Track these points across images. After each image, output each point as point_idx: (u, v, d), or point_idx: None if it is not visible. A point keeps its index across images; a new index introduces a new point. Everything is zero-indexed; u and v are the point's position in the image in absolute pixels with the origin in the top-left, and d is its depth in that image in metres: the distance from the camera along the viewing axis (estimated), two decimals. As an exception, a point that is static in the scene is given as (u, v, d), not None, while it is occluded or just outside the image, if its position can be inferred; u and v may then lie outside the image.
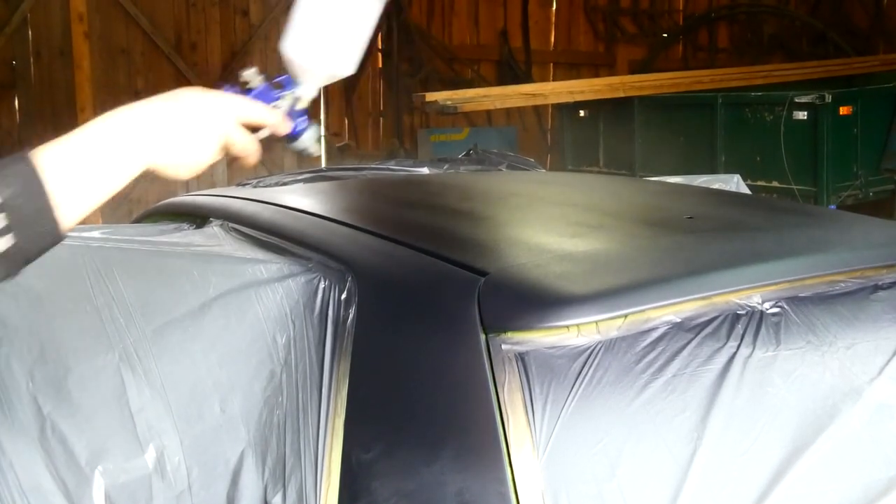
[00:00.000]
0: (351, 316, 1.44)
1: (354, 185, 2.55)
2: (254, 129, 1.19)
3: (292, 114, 1.22)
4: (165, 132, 1.12)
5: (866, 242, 1.70)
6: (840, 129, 6.66)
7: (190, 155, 1.15)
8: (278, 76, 1.22)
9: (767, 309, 1.37)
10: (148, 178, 1.14)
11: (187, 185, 8.51)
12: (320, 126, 1.42)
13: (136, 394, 1.40)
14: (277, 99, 1.21)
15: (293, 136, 1.24)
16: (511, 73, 10.38)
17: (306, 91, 1.23)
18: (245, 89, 1.19)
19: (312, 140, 1.25)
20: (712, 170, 6.80)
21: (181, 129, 1.13)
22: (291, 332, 1.48)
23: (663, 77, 8.39)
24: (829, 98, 6.55)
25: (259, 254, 1.67)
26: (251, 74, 1.21)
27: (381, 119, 9.98)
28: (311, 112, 1.27)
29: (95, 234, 1.61)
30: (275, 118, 1.21)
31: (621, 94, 7.85)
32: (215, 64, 8.65)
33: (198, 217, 2.11)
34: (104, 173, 1.09)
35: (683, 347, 1.28)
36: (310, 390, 1.41)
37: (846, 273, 1.49)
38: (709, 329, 1.31)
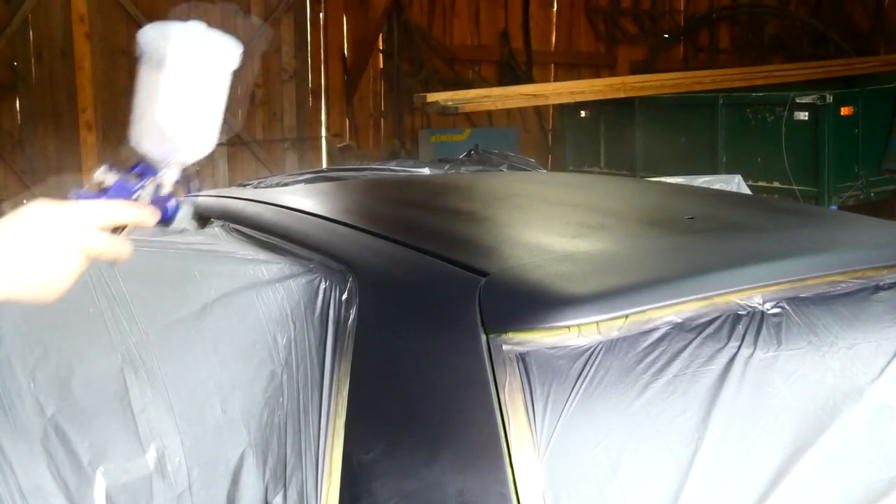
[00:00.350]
0: (352, 316, 1.44)
1: (355, 185, 2.55)
2: (119, 228, 1.12)
3: (158, 200, 1.16)
4: (15, 261, 1.04)
5: (867, 243, 1.70)
6: (841, 129, 6.67)
7: (48, 278, 1.07)
8: (133, 166, 1.15)
9: (768, 309, 1.37)
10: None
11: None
12: (191, 203, 1.33)
13: (138, 394, 1.40)
14: (138, 189, 1.15)
15: (165, 220, 1.17)
16: (512, 73, 10.38)
17: (167, 176, 1.17)
18: (101, 189, 1.12)
19: (187, 219, 1.17)
20: (713, 170, 6.80)
21: (32, 255, 1.05)
22: (292, 333, 1.49)
23: (664, 77, 8.39)
24: (830, 98, 6.55)
25: (260, 254, 1.67)
26: (103, 173, 1.14)
27: (382, 120, 9.98)
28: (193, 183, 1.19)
29: (97, 234, 1.61)
30: (136, 213, 1.14)
31: (622, 95, 7.85)
32: (216, 65, 8.63)
33: (199, 217, 2.11)
34: None
35: (684, 348, 1.28)
36: (311, 391, 1.41)
37: (847, 273, 1.48)
38: (710, 329, 1.31)
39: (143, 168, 1.15)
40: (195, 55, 1.11)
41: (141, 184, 1.14)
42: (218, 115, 1.16)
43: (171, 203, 1.16)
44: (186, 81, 1.11)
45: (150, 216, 1.15)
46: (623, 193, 2.37)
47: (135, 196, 1.14)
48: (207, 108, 1.14)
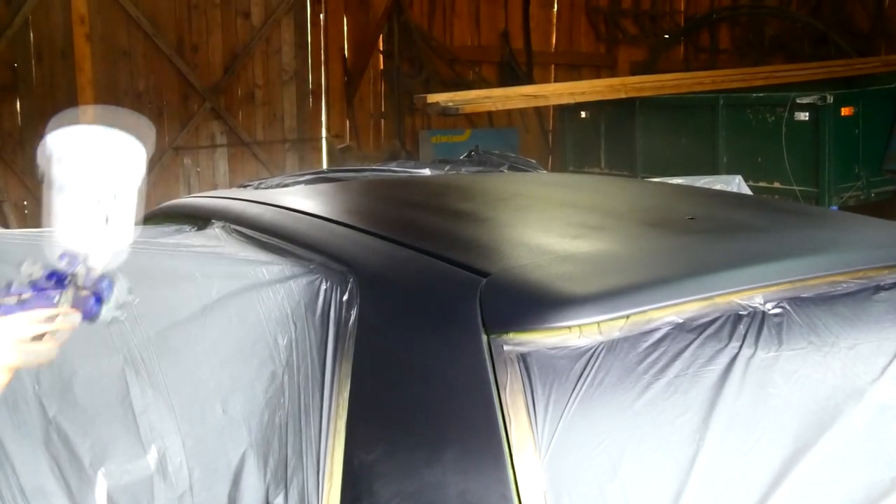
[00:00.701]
0: (352, 317, 1.44)
1: (356, 186, 2.55)
2: (40, 334, 1.12)
3: (79, 300, 1.15)
4: None
5: (868, 243, 1.70)
6: (842, 129, 6.66)
7: None
8: (50, 275, 1.14)
9: (769, 309, 1.37)
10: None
11: (189, 187, 8.53)
12: (122, 280, 1.32)
13: (139, 395, 1.40)
14: (67, 278, 1.14)
15: (91, 317, 1.17)
16: (512, 74, 10.37)
17: (94, 262, 1.15)
18: (20, 302, 1.12)
19: (114, 309, 1.16)
20: (714, 171, 6.79)
21: None
22: (293, 334, 1.49)
23: (665, 78, 8.38)
24: (830, 99, 6.55)
25: (261, 255, 1.67)
26: (28, 266, 1.13)
27: (383, 120, 9.97)
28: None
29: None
30: (55, 318, 1.13)
31: (622, 96, 7.85)
32: (216, 66, 8.66)
33: (200, 219, 2.11)
34: None
35: (685, 348, 1.28)
36: (312, 391, 1.41)
37: (848, 274, 1.48)
38: (711, 330, 1.31)
39: (56, 274, 1.14)
40: (95, 165, 1.10)
41: (59, 290, 1.13)
42: (133, 215, 1.14)
43: (92, 300, 1.15)
44: (87, 192, 1.10)
45: (70, 317, 1.14)
46: (624, 194, 2.37)
47: (56, 302, 1.14)
48: (113, 214, 1.12)
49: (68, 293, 1.15)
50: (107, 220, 1.11)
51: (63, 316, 1.14)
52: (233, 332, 1.49)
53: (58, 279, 1.14)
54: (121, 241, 1.14)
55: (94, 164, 1.08)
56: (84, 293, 1.15)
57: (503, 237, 1.75)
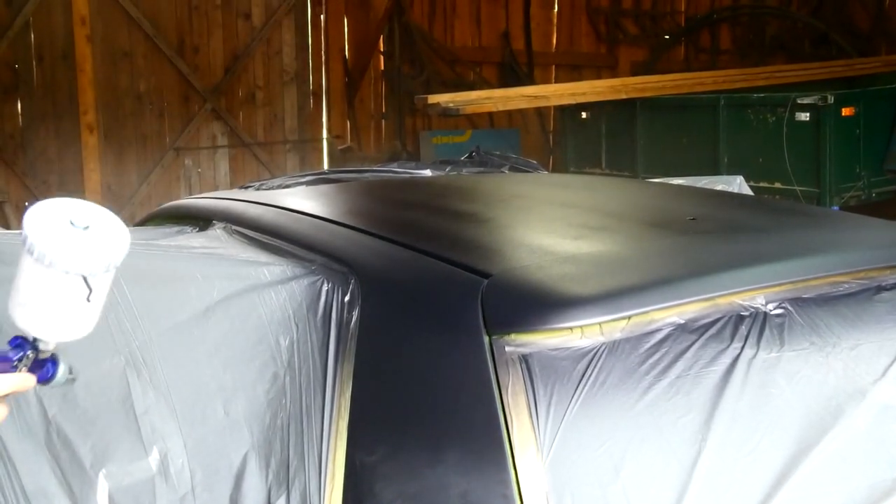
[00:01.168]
0: (354, 318, 1.44)
1: (357, 187, 2.56)
2: None
3: (35, 366, 1.17)
4: None
5: (869, 243, 1.70)
6: (843, 130, 6.67)
7: None
8: (14, 339, 1.16)
9: (771, 310, 1.37)
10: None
11: (189, 188, 8.53)
12: (68, 366, 1.38)
13: (140, 396, 1.40)
14: (18, 358, 1.16)
15: (45, 380, 1.18)
16: (513, 74, 10.38)
17: (45, 344, 1.17)
18: None
19: (64, 378, 1.19)
20: (715, 171, 6.79)
21: None
22: (295, 335, 1.49)
23: (665, 79, 8.39)
24: (831, 99, 6.55)
25: (262, 256, 1.67)
26: None
27: (383, 121, 9.98)
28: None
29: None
30: (11, 383, 1.13)
31: (623, 96, 7.85)
32: (217, 67, 8.66)
33: (201, 220, 2.11)
34: None
35: (687, 349, 1.28)
36: (313, 393, 1.41)
37: (849, 274, 1.48)
38: (712, 330, 1.31)
39: (21, 339, 1.16)
40: (70, 258, 1.09)
41: (20, 354, 1.15)
42: (99, 306, 1.15)
43: (50, 364, 1.17)
44: (57, 282, 1.10)
45: (25, 381, 1.15)
46: (625, 195, 2.37)
47: (15, 363, 1.15)
48: (83, 305, 1.13)
49: (30, 358, 1.17)
50: (78, 307, 1.12)
51: (17, 378, 1.15)
52: (234, 333, 1.49)
53: (8, 361, 1.16)
54: (84, 330, 1.16)
55: (73, 251, 1.08)
56: (44, 356, 1.18)
57: (504, 238, 1.75)
